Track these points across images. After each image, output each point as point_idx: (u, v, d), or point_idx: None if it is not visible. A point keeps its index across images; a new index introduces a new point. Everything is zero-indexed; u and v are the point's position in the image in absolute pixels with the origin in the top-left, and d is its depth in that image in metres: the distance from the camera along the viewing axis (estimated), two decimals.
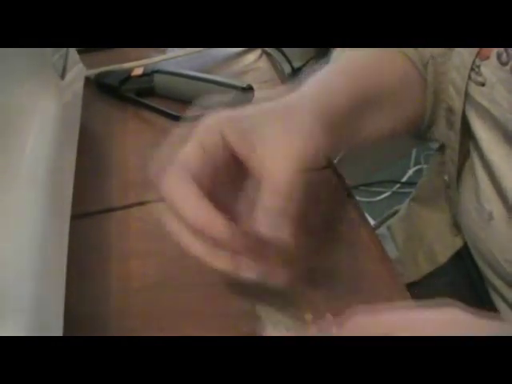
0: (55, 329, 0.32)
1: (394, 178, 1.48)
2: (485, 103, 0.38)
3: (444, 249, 0.51)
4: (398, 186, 1.47)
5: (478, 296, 0.49)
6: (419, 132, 0.47)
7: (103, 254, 0.42)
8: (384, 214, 0.65)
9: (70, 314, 0.34)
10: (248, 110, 0.35)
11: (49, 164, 0.38)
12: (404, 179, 1.47)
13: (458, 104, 0.41)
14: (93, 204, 0.46)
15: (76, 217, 0.42)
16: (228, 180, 0.35)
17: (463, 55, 0.39)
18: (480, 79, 0.38)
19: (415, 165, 1.51)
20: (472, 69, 0.38)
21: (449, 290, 0.51)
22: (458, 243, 0.50)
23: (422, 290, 0.51)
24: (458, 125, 0.41)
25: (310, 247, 0.42)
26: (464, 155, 0.43)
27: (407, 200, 0.60)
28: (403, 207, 0.61)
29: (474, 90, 0.39)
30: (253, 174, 0.33)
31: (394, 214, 0.63)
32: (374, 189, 1.46)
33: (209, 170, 0.33)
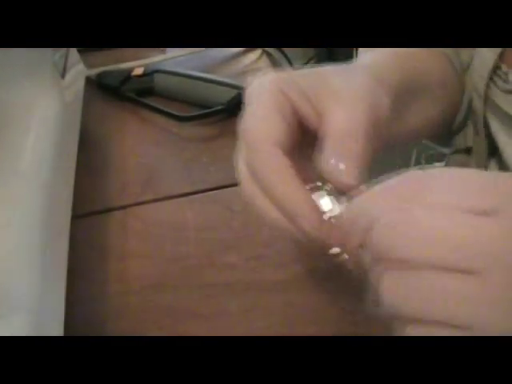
0: (55, 329, 0.32)
1: None
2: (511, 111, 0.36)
3: None
4: None
5: None
6: (444, 134, 0.45)
7: (103, 254, 0.42)
8: None
9: (70, 313, 0.34)
10: (303, 72, 0.33)
11: (49, 164, 0.38)
12: None
13: (479, 107, 0.39)
14: (93, 204, 0.46)
15: (76, 217, 0.42)
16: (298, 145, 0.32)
17: (484, 56, 0.37)
18: (508, 87, 0.36)
19: (415, 165, 1.50)
20: (497, 75, 0.37)
21: None
22: None
23: None
24: (481, 129, 0.40)
25: (310, 248, 0.42)
26: (488, 160, 0.42)
27: None
28: None
29: (499, 97, 0.37)
30: (317, 128, 0.31)
31: None
32: None
33: (291, 139, 0.31)
